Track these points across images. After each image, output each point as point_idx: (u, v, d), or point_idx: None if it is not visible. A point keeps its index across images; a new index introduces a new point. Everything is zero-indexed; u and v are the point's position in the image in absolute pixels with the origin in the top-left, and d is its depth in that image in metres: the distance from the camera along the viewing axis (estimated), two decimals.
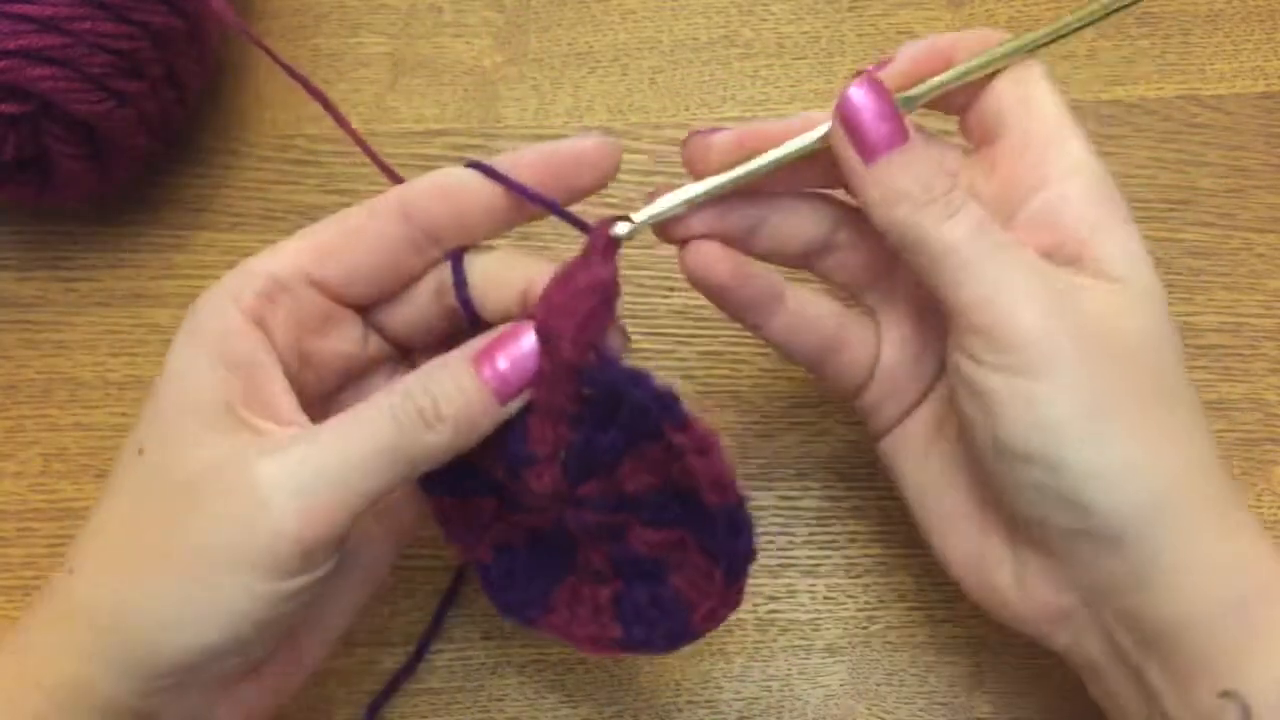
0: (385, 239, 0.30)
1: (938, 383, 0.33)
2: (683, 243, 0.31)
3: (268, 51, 0.36)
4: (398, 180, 0.36)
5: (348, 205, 0.44)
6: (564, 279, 0.29)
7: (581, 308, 0.29)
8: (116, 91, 0.39)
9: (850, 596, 0.40)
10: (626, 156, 0.46)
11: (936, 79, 0.30)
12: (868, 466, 0.41)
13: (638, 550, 0.32)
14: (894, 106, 0.29)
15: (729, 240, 0.32)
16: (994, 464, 0.29)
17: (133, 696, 0.27)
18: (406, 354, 0.33)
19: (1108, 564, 0.28)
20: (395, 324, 0.32)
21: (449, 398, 0.28)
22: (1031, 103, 0.30)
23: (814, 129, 0.30)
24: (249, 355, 0.28)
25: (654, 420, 0.29)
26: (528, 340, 0.29)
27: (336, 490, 0.27)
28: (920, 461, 0.33)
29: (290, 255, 0.30)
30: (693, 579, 0.32)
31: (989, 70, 0.31)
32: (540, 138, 0.46)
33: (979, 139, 0.32)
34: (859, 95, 0.29)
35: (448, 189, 0.30)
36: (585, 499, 0.31)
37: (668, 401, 0.29)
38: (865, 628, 0.40)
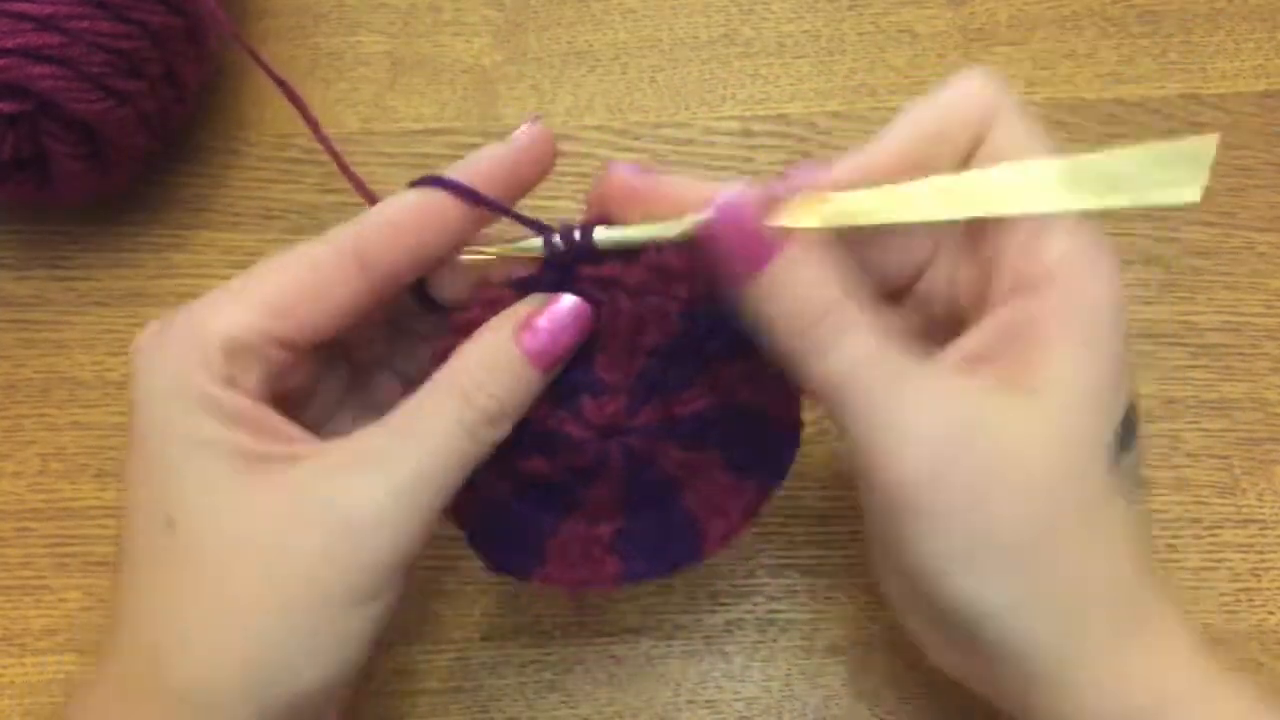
0: (343, 291, 0.28)
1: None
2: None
3: (253, 54, 0.36)
4: (369, 196, 0.35)
5: (346, 204, 0.45)
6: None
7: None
8: (115, 91, 0.39)
9: (851, 597, 0.40)
10: (626, 156, 0.46)
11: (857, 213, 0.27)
12: None
13: (659, 473, 0.31)
14: (756, 227, 0.27)
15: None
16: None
17: None
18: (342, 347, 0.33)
19: (997, 670, 0.28)
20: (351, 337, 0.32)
21: (511, 393, 0.28)
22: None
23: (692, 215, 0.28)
24: (243, 410, 0.27)
25: (744, 341, 0.29)
26: (567, 305, 0.29)
27: (419, 508, 0.27)
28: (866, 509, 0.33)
29: (245, 315, 0.27)
30: (710, 498, 0.31)
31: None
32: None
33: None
34: (728, 208, 0.27)
35: (401, 226, 0.29)
36: (638, 428, 0.30)
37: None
38: (866, 628, 0.40)
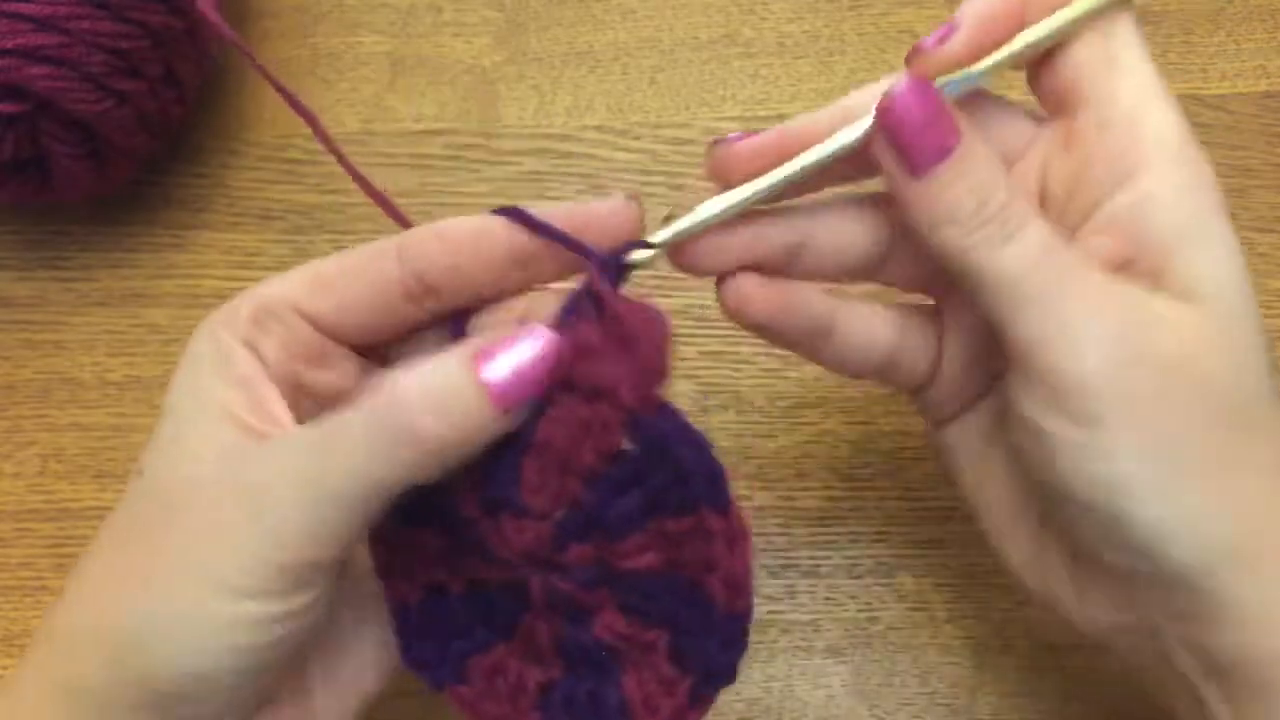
0: (378, 279, 0.28)
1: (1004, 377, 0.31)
2: (719, 278, 0.29)
3: (251, 60, 0.36)
4: (378, 198, 0.35)
5: (346, 204, 0.45)
6: (611, 316, 0.26)
7: (646, 347, 0.26)
8: (115, 91, 0.39)
9: (851, 597, 0.40)
10: (626, 156, 0.46)
11: (1004, 52, 0.27)
12: (868, 466, 0.41)
13: (597, 637, 0.28)
14: (942, 108, 0.26)
15: (769, 267, 0.29)
16: (1050, 502, 0.27)
17: None
18: None
19: (1174, 601, 0.26)
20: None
21: (445, 408, 0.25)
22: (1117, 67, 0.27)
23: (850, 125, 0.27)
24: (247, 374, 0.27)
25: (694, 494, 0.26)
26: (537, 340, 0.26)
27: (324, 513, 0.25)
28: (978, 457, 0.31)
29: (282, 285, 0.28)
30: (648, 687, 0.27)
31: (1067, 32, 0.27)
32: (540, 137, 0.46)
33: (1055, 105, 0.28)
34: (902, 98, 0.26)
35: (444, 234, 0.28)
36: (566, 566, 0.27)
37: (718, 477, 0.26)
38: (866, 629, 0.40)
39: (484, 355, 0.26)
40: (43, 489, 0.42)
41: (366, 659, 0.30)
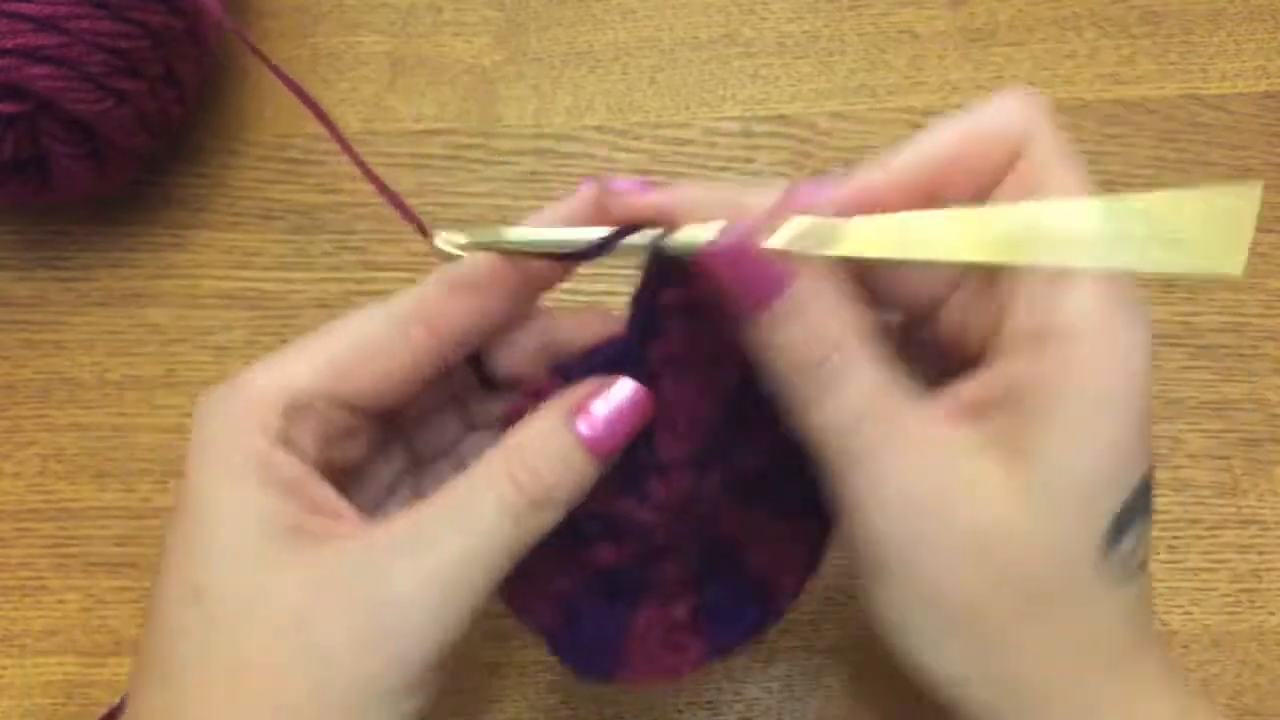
0: (409, 354, 0.28)
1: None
2: None
3: (261, 57, 0.36)
4: (393, 198, 0.35)
5: (346, 204, 0.45)
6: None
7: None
8: (115, 90, 0.39)
9: (851, 596, 0.40)
10: (626, 156, 0.46)
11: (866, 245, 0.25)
12: None
13: (722, 537, 0.30)
14: (758, 265, 0.25)
15: None
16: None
17: None
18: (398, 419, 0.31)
19: None
20: (408, 417, 0.31)
21: (559, 479, 0.26)
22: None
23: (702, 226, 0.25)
24: (294, 476, 0.26)
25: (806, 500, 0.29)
26: (626, 392, 0.27)
27: (458, 596, 0.25)
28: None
29: (307, 374, 0.27)
30: (772, 553, 0.30)
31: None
32: (540, 137, 0.46)
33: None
34: (717, 253, 0.25)
35: (466, 288, 0.28)
36: (701, 498, 0.29)
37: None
38: (866, 628, 0.39)
39: (580, 410, 0.27)
40: (43, 489, 0.42)
41: None
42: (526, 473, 0.26)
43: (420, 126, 0.46)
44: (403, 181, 0.45)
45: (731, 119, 0.46)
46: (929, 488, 0.25)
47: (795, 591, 0.31)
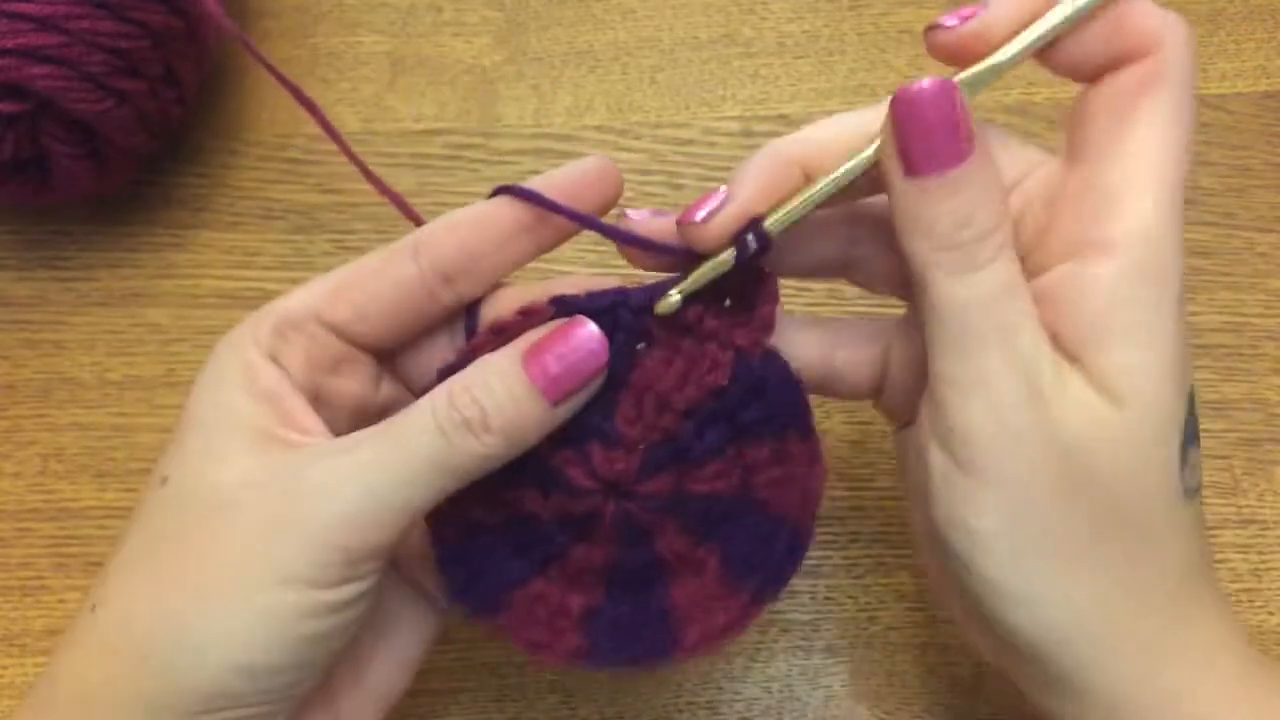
0: (398, 279, 0.29)
1: None
2: None
3: (258, 57, 0.36)
4: (388, 192, 0.35)
5: (346, 205, 0.45)
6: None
7: (764, 305, 0.29)
8: (115, 90, 0.39)
9: (851, 597, 0.40)
10: (626, 156, 0.46)
11: (1032, 33, 0.25)
12: (868, 466, 0.41)
13: (652, 554, 0.29)
14: (960, 116, 0.25)
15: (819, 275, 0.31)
16: (929, 535, 0.28)
17: None
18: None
19: (1024, 668, 0.27)
20: (414, 373, 0.31)
21: (499, 407, 0.26)
22: (1127, 132, 0.26)
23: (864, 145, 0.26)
24: (274, 387, 0.28)
25: (782, 421, 0.29)
26: (584, 334, 0.27)
27: (381, 501, 0.26)
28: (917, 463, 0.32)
29: (303, 295, 0.29)
30: (697, 598, 0.29)
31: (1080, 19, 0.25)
32: (540, 137, 0.46)
33: (1070, 146, 0.28)
34: (924, 93, 0.25)
35: (455, 224, 0.29)
36: (645, 495, 0.29)
37: (806, 409, 0.29)
38: (866, 628, 0.40)
39: (534, 356, 0.27)
40: (43, 489, 0.42)
41: (391, 666, 0.31)
42: (466, 395, 0.26)
43: (420, 126, 0.46)
44: (403, 181, 0.45)
45: (731, 119, 0.46)
46: (1035, 390, 0.25)
47: (700, 648, 0.29)
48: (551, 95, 0.47)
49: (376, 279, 0.29)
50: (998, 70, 0.26)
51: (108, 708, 0.26)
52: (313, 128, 0.46)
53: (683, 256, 0.28)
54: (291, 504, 0.26)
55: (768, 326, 0.29)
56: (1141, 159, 0.26)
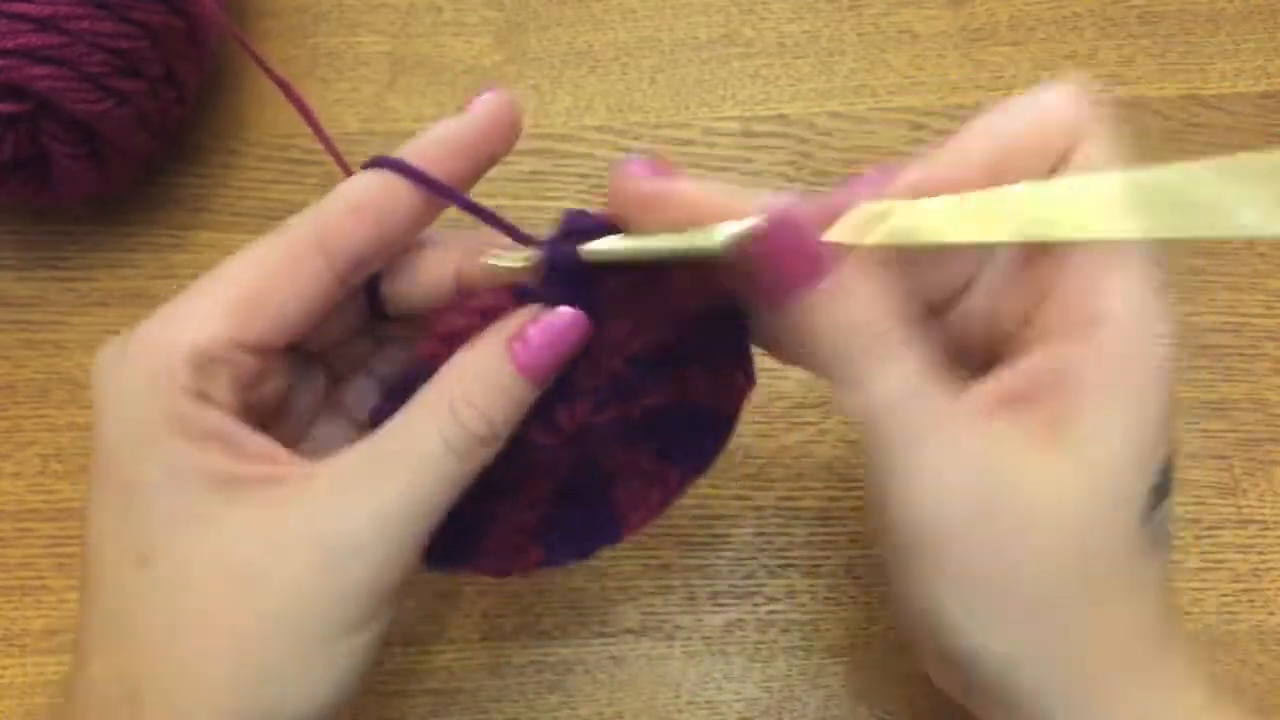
0: (307, 282, 0.27)
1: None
2: None
3: (252, 54, 0.36)
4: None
5: None
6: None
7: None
8: (115, 91, 0.39)
9: (851, 597, 0.40)
10: (626, 156, 0.46)
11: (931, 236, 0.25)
12: None
13: (598, 468, 0.31)
14: (808, 245, 0.25)
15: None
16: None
17: None
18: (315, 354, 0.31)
19: (993, 711, 0.27)
20: (317, 342, 0.30)
21: (502, 411, 0.26)
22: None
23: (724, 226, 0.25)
24: (215, 426, 0.26)
25: (731, 356, 0.30)
26: (565, 318, 0.27)
27: (405, 534, 0.26)
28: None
29: (210, 324, 0.26)
30: (635, 489, 0.31)
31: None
32: (540, 137, 0.46)
33: None
34: (782, 220, 0.25)
35: (362, 208, 0.27)
36: (595, 429, 0.30)
37: (747, 336, 0.30)
38: (866, 629, 0.40)
39: (517, 336, 0.27)
40: (43, 489, 0.42)
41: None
42: (471, 410, 0.26)
43: (420, 126, 0.46)
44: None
45: (731, 119, 0.46)
46: (975, 472, 0.25)
47: (640, 526, 0.32)
48: (551, 95, 0.47)
49: (289, 286, 0.27)
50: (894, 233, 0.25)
51: None
52: None
53: (552, 250, 0.27)
54: (326, 556, 0.25)
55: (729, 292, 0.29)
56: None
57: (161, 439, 0.25)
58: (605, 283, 0.28)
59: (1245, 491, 0.41)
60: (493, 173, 0.45)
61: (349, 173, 0.35)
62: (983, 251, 0.28)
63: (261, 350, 0.27)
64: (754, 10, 0.48)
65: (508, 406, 0.27)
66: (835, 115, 0.46)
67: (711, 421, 0.32)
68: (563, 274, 0.27)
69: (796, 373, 0.42)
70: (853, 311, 0.25)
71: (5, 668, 0.40)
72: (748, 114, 0.46)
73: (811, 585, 0.40)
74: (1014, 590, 0.25)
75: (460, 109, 0.29)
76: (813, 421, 0.42)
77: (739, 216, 0.25)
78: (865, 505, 0.28)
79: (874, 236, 0.25)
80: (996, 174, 0.26)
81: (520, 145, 0.46)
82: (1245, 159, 0.24)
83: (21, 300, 0.44)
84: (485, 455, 0.27)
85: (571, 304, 0.27)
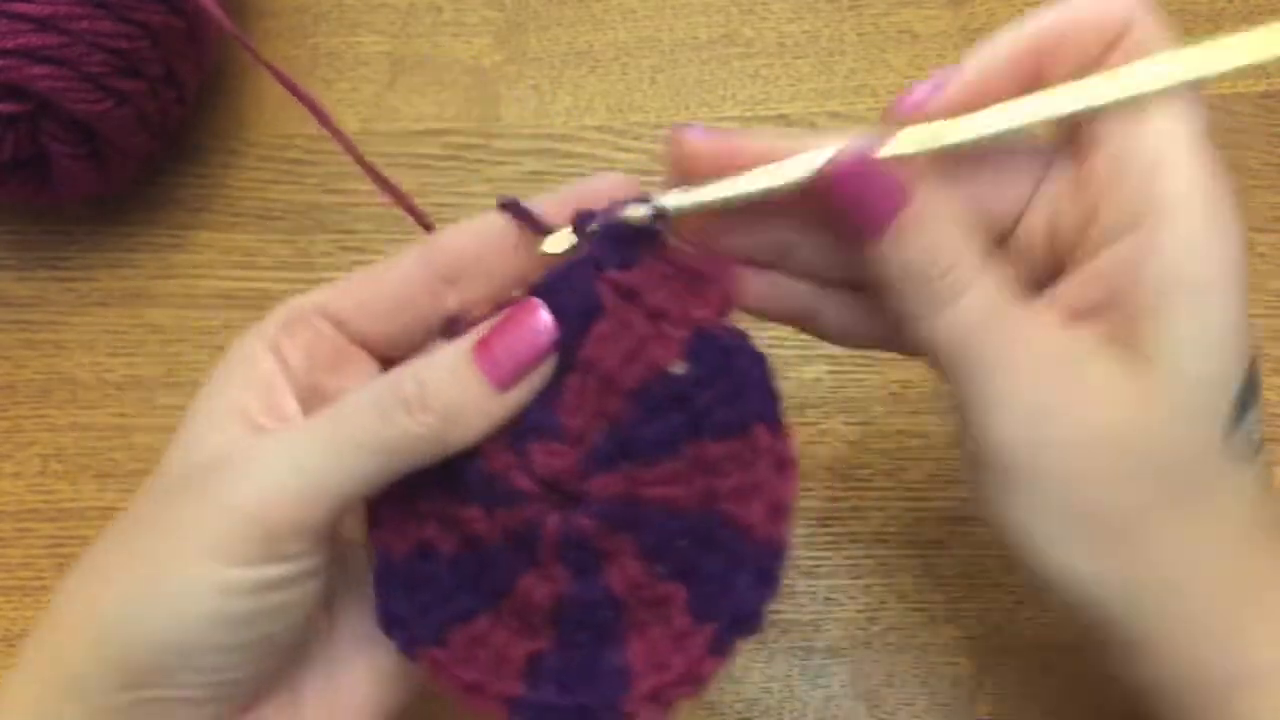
0: (400, 275, 0.28)
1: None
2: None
3: (257, 57, 0.36)
4: (393, 191, 0.35)
5: (347, 205, 0.45)
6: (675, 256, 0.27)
7: (716, 279, 0.27)
8: (115, 91, 0.39)
9: (851, 597, 0.40)
10: (626, 156, 0.46)
11: (988, 126, 0.26)
12: (867, 467, 0.41)
13: (608, 588, 0.26)
14: (880, 179, 0.26)
15: (757, 263, 0.30)
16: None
17: (119, 711, 0.25)
18: None
19: (1098, 637, 0.27)
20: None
21: (438, 383, 0.26)
22: (1141, 113, 0.26)
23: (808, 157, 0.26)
24: (268, 377, 0.28)
25: (748, 409, 0.26)
26: (533, 315, 0.26)
27: (307, 478, 0.25)
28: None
29: (317, 292, 0.29)
30: (655, 647, 0.26)
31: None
32: (540, 137, 0.46)
33: (1070, 139, 0.27)
34: (838, 173, 0.26)
35: (465, 228, 0.29)
36: (592, 497, 0.26)
37: (776, 394, 0.26)
38: (866, 629, 0.40)
39: (483, 343, 0.26)
40: (43, 489, 0.42)
41: (365, 681, 0.29)
42: (409, 376, 0.26)
43: (420, 127, 0.46)
44: (403, 182, 0.45)
45: (731, 119, 0.46)
46: (1054, 393, 0.25)
47: (643, 705, 0.26)
48: (551, 95, 0.47)
49: (382, 274, 0.29)
50: (940, 140, 0.26)
51: (50, 690, 0.26)
52: (313, 128, 0.46)
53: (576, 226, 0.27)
54: (219, 479, 0.26)
55: (727, 302, 0.27)
56: (1164, 125, 0.26)
57: (225, 374, 0.28)
58: (624, 280, 0.27)
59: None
60: (492, 173, 0.46)
61: (368, 168, 0.34)
62: (1037, 165, 0.28)
63: (343, 324, 0.28)
64: (754, 10, 0.48)
65: (448, 384, 0.26)
66: (835, 115, 0.46)
67: (753, 556, 0.26)
68: (571, 286, 0.27)
69: (797, 373, 0.42)
70: (931, 238, 0.26)
71: (5, 668, 0.40)
72: (748, 114, 0.46)
73: (811, 585, 0.40)
74: (1092, 512, 0.25)
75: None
76: (813, 421, 0.42)
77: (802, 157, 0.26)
78: (954, 435, 0.28)
79: (927, 143, 0.26)
80: (1037, 68, 0.26)
81: (520, 145, 0.46)
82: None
83: (21, 300, 0.44)
84: (413, 427, 0.25)
85: (576, 306, 0.26)
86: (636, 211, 0.27)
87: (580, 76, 0.47)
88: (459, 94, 0.47)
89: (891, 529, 0.41)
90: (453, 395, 0.26)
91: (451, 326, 0.28)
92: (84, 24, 0.37)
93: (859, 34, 0.47)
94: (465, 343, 0.27)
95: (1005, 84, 0.27)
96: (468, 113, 0.46)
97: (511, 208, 0.28)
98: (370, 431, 0.26)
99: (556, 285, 0.27)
